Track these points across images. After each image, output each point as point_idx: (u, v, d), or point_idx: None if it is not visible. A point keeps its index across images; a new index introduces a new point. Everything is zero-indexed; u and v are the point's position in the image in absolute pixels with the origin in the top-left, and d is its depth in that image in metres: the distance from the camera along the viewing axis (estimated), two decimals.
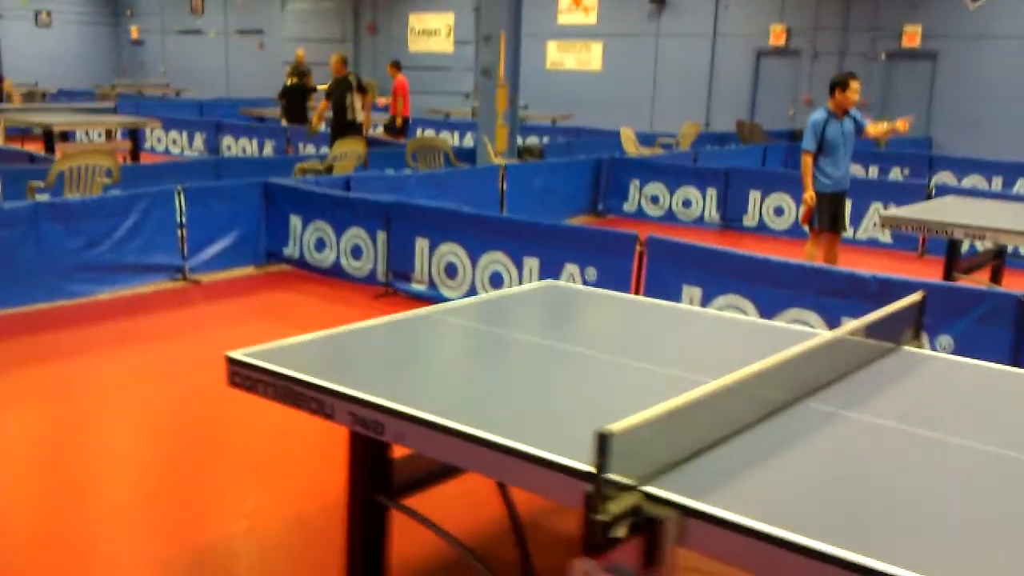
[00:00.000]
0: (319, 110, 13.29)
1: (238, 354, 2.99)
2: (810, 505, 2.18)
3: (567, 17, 23.15)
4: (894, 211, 7.14)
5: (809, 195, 7.69)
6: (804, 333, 3.56)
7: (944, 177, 13.58)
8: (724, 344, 3.47)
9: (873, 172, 14.16)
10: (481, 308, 3.80)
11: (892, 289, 5.01)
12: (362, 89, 12.57)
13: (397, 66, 15.11)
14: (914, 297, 3.45)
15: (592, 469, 2.05)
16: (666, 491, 2.14)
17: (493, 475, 2.48)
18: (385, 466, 3.01)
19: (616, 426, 2.07)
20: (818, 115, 7.77)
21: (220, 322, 6.78)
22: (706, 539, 2.08)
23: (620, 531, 2.08)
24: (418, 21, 25.67)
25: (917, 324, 3.49)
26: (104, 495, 4.13)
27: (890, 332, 3.31)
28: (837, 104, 7.69)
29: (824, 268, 5.52)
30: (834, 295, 5.30)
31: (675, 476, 2.23)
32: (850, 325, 3.10)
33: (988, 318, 4.93)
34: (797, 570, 1.94)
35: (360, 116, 12.44)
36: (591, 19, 22.79)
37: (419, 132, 17.07)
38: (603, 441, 2.03)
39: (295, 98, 15.32)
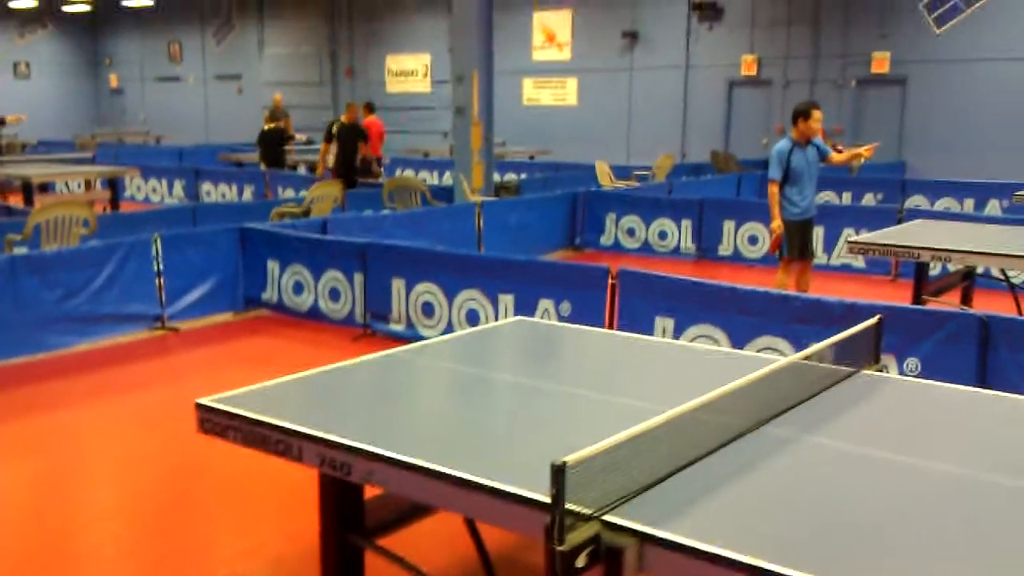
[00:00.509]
0: (323, 153, 13.74)
1: (207, 400, 3.04)
2: (768, 528, 2.24)
3: (541, 54, 23.41)
4: (862, 236, 7.26)
5: (776, 224, 7.80)
6: (765, 360, 3.63)
7: (917, 200, 13.77)
8: (687, 374, 3.53)
9: (847, 198, 14.34)
10: (450, 346, 3.86)
11: (858, 313, 5.08)
12: (363, 136, 13.27)
13: (369, 108, 15.30)
14: (871, 321, 3.53)
15: (548, 500, 2.11)
16: (625, 519, 2.20)
17: (459, 510, 2.53)
18: (357, 506, 3.06)
19: (571, 457, 2.13)
20: (782, 145, 7.89)
21: (199, 370, 6.80)
22: (666, 566, 2.14)
23: (581, 561, 2.13)
24: (395, 62, 25.91)
25: (876, 347, 3.57)
26: (84, 546, 4.14)
27: (848, 356, 3.39)
28: (801, 133, 7.82)
29: (791, 295, 5.61)
30: (802, 321, 5.38)
31: (635, 504, 2.29)
32: (806, 351, 3.18)
33: (953, 339, 5.02)
34: None
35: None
36: (565, 55, 23.06)
37: (397, 172, 17.22)
38: (558, 472, 2.09)
39: (272, 142, 15.44)
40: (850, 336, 3.43)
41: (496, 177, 15.67)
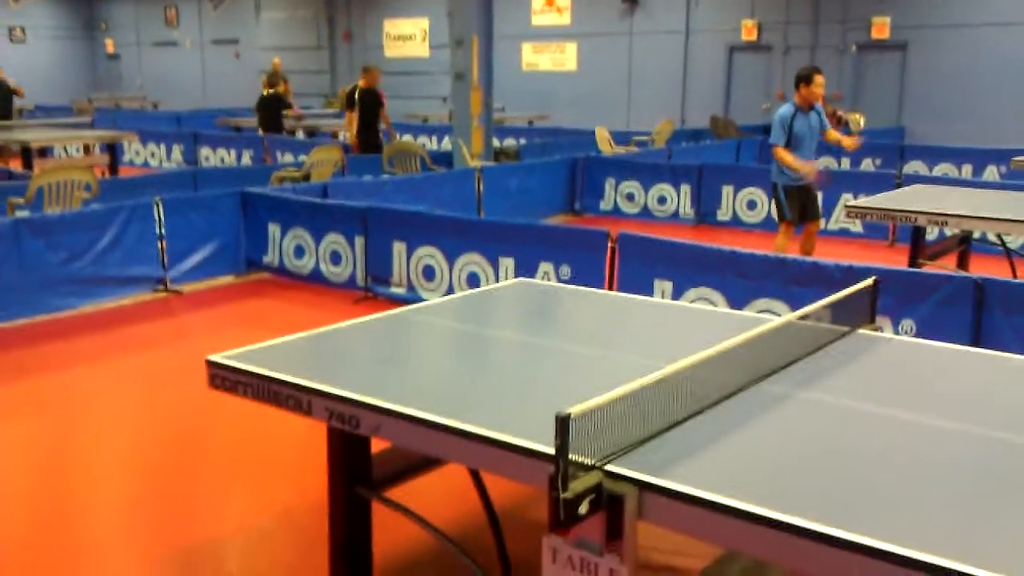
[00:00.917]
0: (349, 120, 12.76)
1: (218, 357, 3.11)
2: (761, 477, 2.31)
3: (541, 18, 23.31)
4: (860, 200, 7.31)
5: (807, 169, 7.75)
6: (761, 320, 3.70)
7: (915, 166, 13.80)
8: (685, 333, 3.60)
9: (845, 163, 14.34)
10: (454, 306, 3.93)
11: (854, 276, 5.15)
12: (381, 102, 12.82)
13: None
14: (867, 282, 3.59)
15: (553, 451, 2.18)
16: (625, 469, 2.27)
17: (466, 462, 2.61)
18: (365, 459, 3.14)
19: (575, 409, 2.20)
20: (785, 110, 7.92)
21: (201, 331, 6.87)
22: (664, 512, 2.22)
23: (583, 508, 2.21)
24: (393, 27, 25.78)
25: (872, 308, 3.64)
26: (93, 501, 4.23)
27: (844, 316, 3.46)
28: (803, 98, 7.85)
29: (789, 258, 5.67)
30: (799, 284, 5.45)
31: (635, 455, 2.37)
32: (802, 310, 3.25)
33: (948, 301, 5.09)
34: (750, 537, 2.08)
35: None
36: (565, 19, 22.95)
37: (397, 137, 17.21)
38: (562, 423, 2.16)
39: (271, 109, 15.40)
40: (846, 297, 3.50)
41: (495, 143, 15.69)
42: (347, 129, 13.16)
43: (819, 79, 7.84)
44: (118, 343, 6.55)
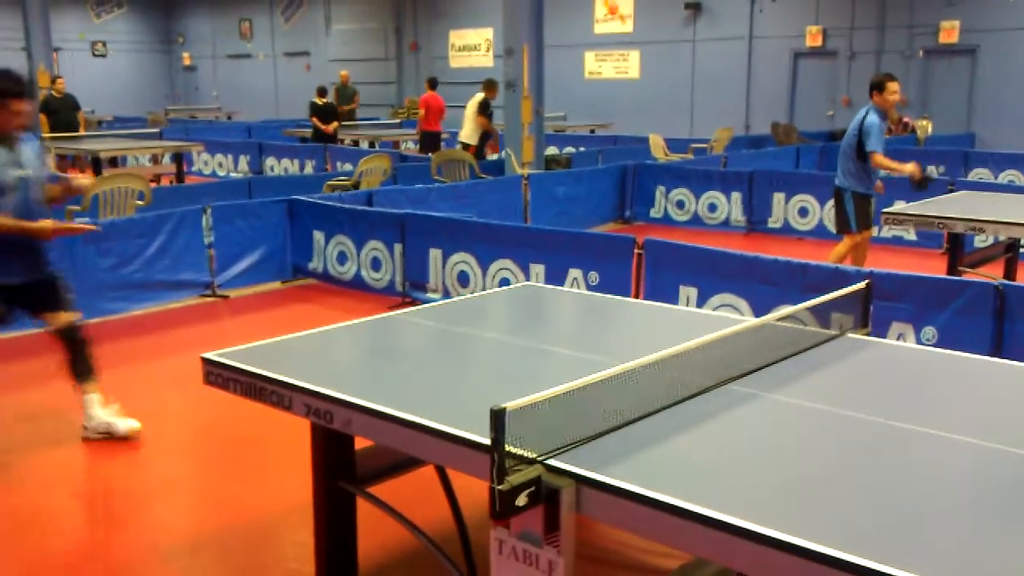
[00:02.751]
0: (483, 126, 13.65)
1: (212, 355, 3.26)
2: (703, 474, 2.36)
3: (603, 26, 23.34)
4: (896, 207, 7.21)
5: (911, 167, 7.66)
6: (751, 323, 3.71)
7: (981, 173, 13.48)
8: (667, 334, 3.63)
9: None
10: (451, 309, 4.03)
11: (877, 281, 5.11)
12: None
13: (431, 83, 15.61)
14: (858, 285, 3.59)
15: (489, 443, 2.26)
16: (565, 463, 2.34)
17: (421, 455, 2.69)
18: (348, 455, 3.26)
19: (511, 404, 2.28)
20: (874, 117, 7.64)
21: (243, 334, 7.06)
22: (599, 506, 2.28)
23: (521, 500, 2.28)
24: (458, 37, 26.09)
25: (864, 312, 3.63)
26: (123, 485, 4.44)
27: (829, 319, 3.46)
28: (880, 105, 7.68)
29: (811, 264, 5.64)
30: (820, 290, 5.40)
31: (581, 451, 2.43)
32: (780, 311, 3.27)
33: (969, 308, 5.02)
34: (680, 533, 2.12)
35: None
36: (627, 27, 22.95)
37: (458, 147, 17.43)
38: (497, 416, 2.24)
39: (325, 117, 16.07)
40: (834, 300, 3.51)
41: (554, 151, 15.80)
42: (477, 132, 13.75)
43: (892, 86, 7.63)
44: (160, 345, 6.81)
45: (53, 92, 16.35)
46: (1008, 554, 1.94)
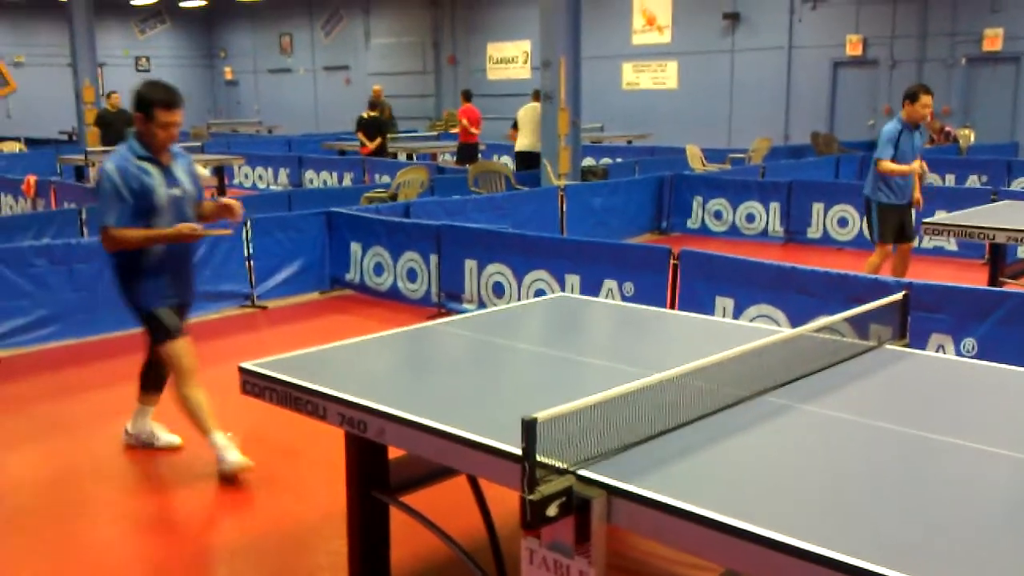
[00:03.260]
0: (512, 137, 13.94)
1: (249, 364, 3.30)
2: (736, 487, 2.35)
3: (641, 37, 23.32)
4: (937, 217, 7.13)
5: (913, 167, 7.55)
6: (787, 334, 3.69)
7: None
8: (703, 346, 3.62)
9: (950, 180, 13.90)
10: (485, 320, 4.05)
11: (916, 292, 5.05)
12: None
13: (466, 95, 15.66)
14: (895, 296, 3.55)
15: (520, 453, 2.27)
16: (597, 473, 2.34)
17: (454, 464, 2.71)
18: (382, 464, 3.28)
19: (542, 414, 2.28)
20: (892, 126, 7.61)
21: (281, 344, 7.05)
22: (630, 517, 2.28)
23: (552, 510, 2.29)
24: (496, 50, 26.21)
25: (902, 323, 3.59)
26: (162, 491, 4.50)
27: (867, 330, 3.43)
28: (909, 116, 7.63)
29: (850, 275, 5.59)
30: (858, 301, 5.34)
31: (613, 461, 2.43)
32: (817, 322, 3.24)
33: (1010, 319, 4.94)
34: (711, 544, 2.11)
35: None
36: (665, 38, 22.92)
37: (494, 158, 17.51)
38: (528, 427, 2.25)
39: (370, 131, 15.86)
40: (872, 310, 3.47)
41: (592, 162, 15.80)
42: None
43: (925, 99, 7.55)
44: (203, 355, 6.80)
45: (108, 107, 16.64)
46: None
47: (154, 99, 4.35)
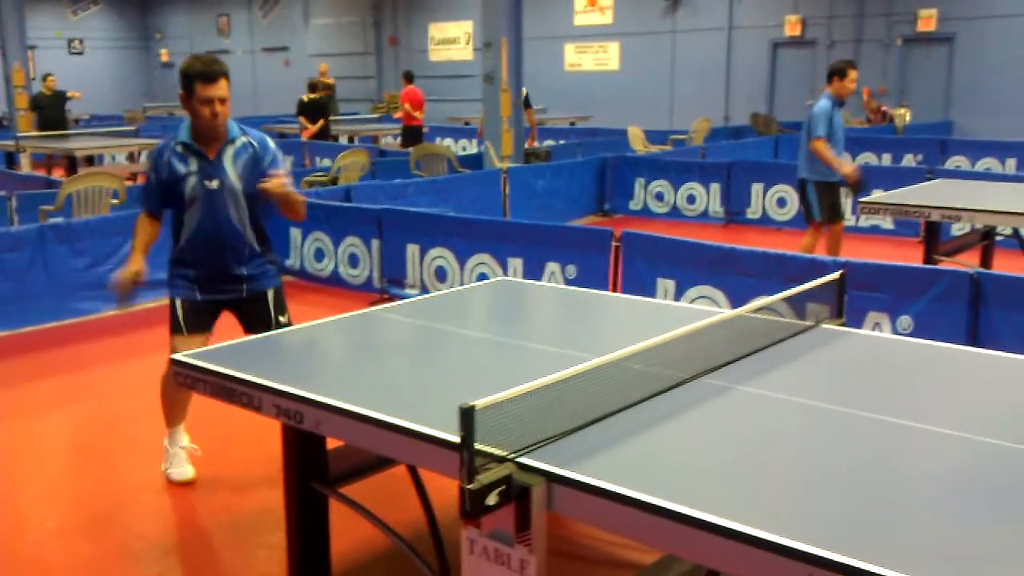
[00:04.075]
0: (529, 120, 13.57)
1: (181, 356, 3.22)
2: (671, 470, 2.34)
3: (583, 18, 23.31)
4: (872, 196, 7.23)
5: (848, 169, 7.63)
6: (716, 314, 3.70)
7: (958, 161, 13.53)
8: (642, 328, 3.61)
9: (887, 159, 14.13)
10: (427, 305, 4.00)
11: (853, 271, 5.11)
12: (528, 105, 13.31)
13: (407, 77, 15.48)
14: (831, 276, 3.58)
15: (459, 442, 2.23)
16: (536, 461, 2.32)
17: (395, 455, 2.66)
18: (320, 455, 3.22)
19: (480, 402, 2.25)
20: (825, 103, 7.69)
21: (219, 334, 7.00)
22: (570, 503, 2.25)
23: (491, 499, 2.26)
24: (438, 31, 26.00)
25: (838, 302, 3.62)
26: (94, 489, 4.40)
27: (804, 310, 3.45)
28: (836, 92, 7.72)
29: (788, 255, 5.64)
30: (797, 281, 5.38)
31: (552, 448, 2.40)
32: (755, 303, 3.25)
33: (944, 297, 5.02)
34: (649, 528, 2.10)
35: None
36: (607, 19, 22.93)
37: (437, 140, 17.42)
38: (466, 415, 2.22)
39: (312, 114, 15.58)
40: (809, 290, 3.49)
41: (536, 144, 15.76)
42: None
43: (852, 74, 7.69)
44: (137, 345, 6.75)
45: (43, 90, 16.18)
46: (977, 541, 1.93)
47: (192, 72, 3.93)
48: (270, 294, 4.31)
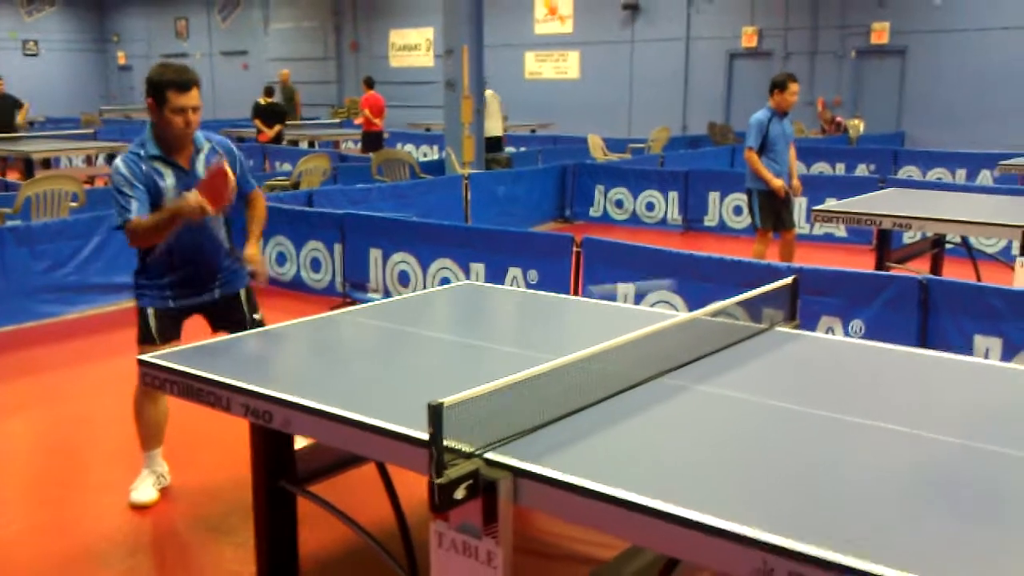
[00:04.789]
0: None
1: (147, 356, 3.26)
2: (630, 463, 2.43)
3: (543, 27, 23.47)
4: (826, 204, 7.40)
5: (778, 184, 7.86)
6: (671, 317, 3.80)
7: (910, 171, 13.84)
8: (603, 330, 3.70)
9: (840, 169, 14.41)
10: (391, 308, 4.07)
11: (806, 277, 5.25)
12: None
13: (368, 83, 15.51)
14: (785, 280, 3.70)
15: (428, 438, 2.30)
16: (502, 456, 2.40)
17: (361, 451, 2.72)
18: (287, 454, 3.27)
19: (448, 399, 2.32)
20: (761, 114, 8.02)
21: (188, 335, 7.02)
22: (535, 497, 2.34)
23: (459, 493, 2.33)
24: (399, 37, 26.03)
25: (792, 306, 3.74)
26: (57, 489, 4.40)
27: (759, 314, 3.57)
28: (777, 104, 7.96)
29: (744, 261, 5.78)
30: (753, 286, 5.51)
31: (517, 444, 2.48)
32: (711, 307, 3.36)
33: (895, 302, 5.18)
34: (611, 519, 2.19)
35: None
36: (567, 28, 23.11)
37: (397, 146, 17.42)
38: (435, 411, 2.29)
39: (268, 118, 15.62)
40: (763, 294, 3.61)
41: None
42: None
43: (793, 87, 7.96)
44: (98, 348, 6.72)
45: None
46: (927, 530, 2.04)
47: (164, 80, 3.80)
48: (242, 294, 4.32)
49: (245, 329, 4.01)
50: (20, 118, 15.87)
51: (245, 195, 4.25)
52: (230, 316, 4.27)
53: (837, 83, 19.33)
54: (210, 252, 4.14)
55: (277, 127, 15.51)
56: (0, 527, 4.07)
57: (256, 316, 4.32)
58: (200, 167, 4.00)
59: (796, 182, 8.19)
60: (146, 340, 4.09)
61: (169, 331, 4.13)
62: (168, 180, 3.93)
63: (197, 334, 4.06)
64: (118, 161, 3.93)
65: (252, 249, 4.22)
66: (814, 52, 19.68)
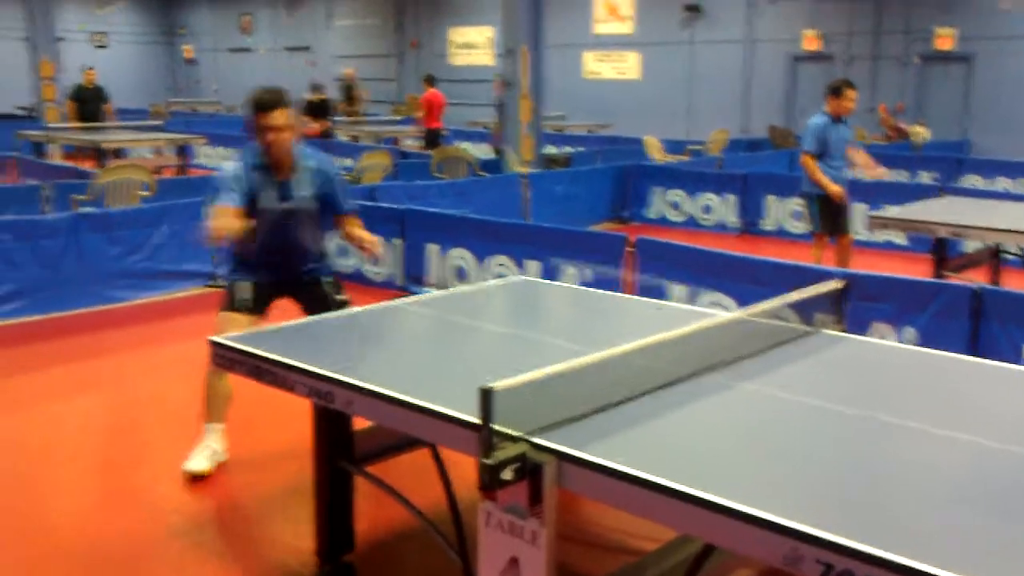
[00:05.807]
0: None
1: (219, 338, 3.45)
2: (673, 452, 2.55)
3: (603, 27, 23.51)
4: (881, 211, 7.40)
5: (835, 189, 7.85)
6: (735, 319, 3.89)
7: (973, 179, 13.65)
8: (651, 326, 3.80)
9: (903, 176, 14.26)
10: (448, 300, 4.23)
11: (859, 283, 5.30)
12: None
13: (429, 80, 15.70)
14: (833, 284, 3.78)
15: (479, 421, 2.44)
16: (549, 441, 2.52)
17: (417, 434, 2.87)
18: (347, 435, 3.44)
19: (499, 384, 2.46)
20: (818, 119, 8.03)
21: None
22: (579, 481, 2.46)
23: (507, 474, 2.47)
24: (459, 35, 26.26)
25: (838, 310, 3.81)
26: (131, 467, 4.63)
27: (806, 316, 3.65)
28: (833, 109, 7.96)
29: (796, 265, 5.83)
30: None
31: (564, 430, 2.61)
32: (758, 307, 3.45)
33: (947, 311, 5.20)
34: (651, 505, 2.30)
35: None
36: (627, 28, 23.13)
37: (456, 144, 17.65)
38: (486, 396, 2.43)
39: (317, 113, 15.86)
40: (810, 298, 3.69)
41: (553, 150, 15.98)
42: None
43: (850, 93, 7.94)
44: (164, 333, 6.99)
45: (84, 83, 16.48)
46: (972, 536, 2.12)
47: (253, 100, 4.19)
48: (324, 279, 4.57)
49: (330, 310, 4.26)
50: (107, 110, 16.36)
51: (339, 216, 4.51)
52: (316, 298, 4.48)
53: (900, 89, 19.10)
54: (294, 254, 4.44)
55: (324, 122, 15.78)
56: (71, 499, 4.31)
57: (339, 297, 4.53)
58: (298, 184, 4.30)
59: (881, 170, 8.30)
60: (231, 307, 4.39)
61: (253, 302, 4.39)
62: (265, 190, 4.24)
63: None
64: (227, 164, 4.38)
65: (360, 232, 4.52)
66: (877, 57, 19.47)
